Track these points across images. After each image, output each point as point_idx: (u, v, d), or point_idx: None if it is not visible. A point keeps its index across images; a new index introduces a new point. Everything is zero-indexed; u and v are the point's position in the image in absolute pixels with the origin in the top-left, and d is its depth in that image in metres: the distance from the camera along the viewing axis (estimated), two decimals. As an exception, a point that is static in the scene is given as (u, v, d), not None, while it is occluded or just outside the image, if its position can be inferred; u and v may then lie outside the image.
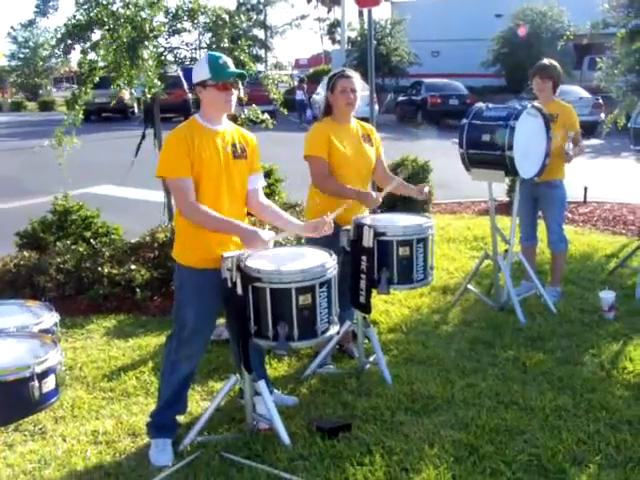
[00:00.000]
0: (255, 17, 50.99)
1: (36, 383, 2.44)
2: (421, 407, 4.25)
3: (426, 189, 4.77)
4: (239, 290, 3.48)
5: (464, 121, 5.74)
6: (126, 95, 8.19)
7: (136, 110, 30.41)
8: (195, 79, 3.69)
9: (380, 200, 4.58)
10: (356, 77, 4.67)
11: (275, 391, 4.33)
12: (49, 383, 2.51)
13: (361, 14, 42.75)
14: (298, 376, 4.75)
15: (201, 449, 3.82)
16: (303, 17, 58.20)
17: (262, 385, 3.84)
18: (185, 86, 28.85)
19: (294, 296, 3.44)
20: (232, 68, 3.67)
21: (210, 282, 3.62)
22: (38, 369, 2.45)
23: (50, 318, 2.88)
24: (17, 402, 2.45)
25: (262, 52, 53.24)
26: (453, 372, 4.73)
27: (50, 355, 2.53)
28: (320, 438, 3.85)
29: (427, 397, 4.36)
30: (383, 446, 3.79)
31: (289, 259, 3.68)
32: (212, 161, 3.63)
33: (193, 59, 7.98)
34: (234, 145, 3.75)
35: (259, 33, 53.22)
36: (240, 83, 3.76)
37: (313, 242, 4.11)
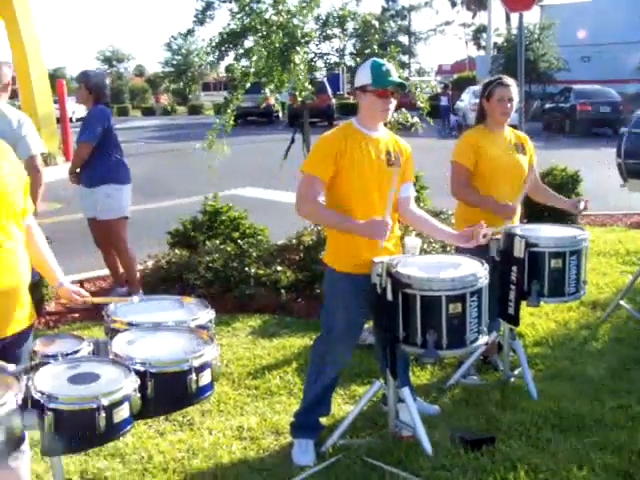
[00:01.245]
0: (399, 23, 51.00)
1: (193, 376, 2.52)
2: (569, 425, 4.08)
3: (582, 205, 4.60)
4: (389, 296, 3.48)
5: (623, 130, 5.50)
6: (272, 100, 8.37)
7: (280, 114, 31.16)
8: (356, 83, 3.72)
9: (518, 209, 4.48)
10: (514, 85, 4.57)
11: (417, 399, 4.29)
12: (205, 377, 2.59)
13: (508, 19, 41.86)
14: (441, 385, 4.69)
15: (343, 452, 3.83)
16: (448, 23, 57.62)
17: (406, 392, 3.82)
18: (329, 91, 29.33)
19: (444, 304, 3.40)
20: (394, 77, 3.65)
21: (359, 287, 3.62)
22: (196, 363, 2.53)
23: (206, 314, 2.97)
24: (175, 394, 2.55)
25: (406, 58, 53.19)
26: (603, 391, 4.52)
27: (206, 350, 2.61)
28: (463, 450, 3.79)
29: (575, 415, 4.19)
30: (528, 463, 3.66)
31: (440, 267, 3.63)
32: (365, 167, 3.64)
33: (339, 65, 8.08)
34: (388, 153, 3.74)
35: (403, 39, 53.20)
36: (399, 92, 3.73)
37: (462, 250, 4.05)
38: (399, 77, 3.76)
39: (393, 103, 3.68)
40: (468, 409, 4.34)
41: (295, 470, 3.72)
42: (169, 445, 4.04)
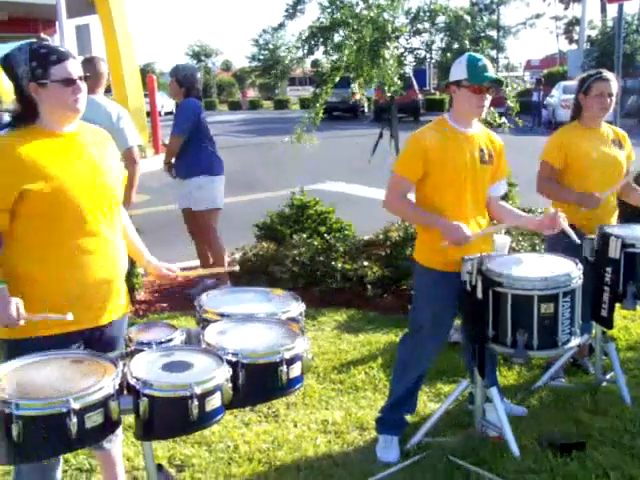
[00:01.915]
0: (488, 17, 50.04)
1: (284, 368, 2.53)
2: (666, 435, 3.93)
3: None
4: (479, 294, 3.42)
5: None
6: (357, 95, 8.38)
7: (366, 110, 31.02)
8: (451, 77, 3.66)
9: (602, 201, 4.33)
10: (613, 80, 4.42)
11: (504, 399, 4.22)
12: (295, 369, 2.60)
13: (604, 10, 40.45)
14: (528, 386, 4.60)
15: (428, 450, 3.81)
16: (538, 16, 56.05)
17: (494, 392, 3.76)
18: (415, 87, 29.01)
19: (536, 304, 3.33)
20: (490, 72, 3.59)
21: (449, 284, 3.58)
22: (287, 355, 2.54)
23: (297, 307, 2.98)
24: (266, 385, 2.57)
25: (494, 53, 52.12)
26: (703, 401, 4.34)
27: (297, 342, 2.62)
28: (551, 454, 3.69)
29: (674, 426, 4.03)
30: (622, 473, 3.54)
31: (533, 265, 3.56)
32: (457, 164, 3.59)
33: (427, 59, 7.99)
34: (482, 150, 3.68)
35: (492, 33, 52.09)
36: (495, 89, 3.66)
37: (553, 250, 3.96)
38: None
39: (488, 100, 3.61)
40: (556, 412, 4.24)
41: (379, 466, 3.72)
42: (254, 436, 4.09)
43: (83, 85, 2.76)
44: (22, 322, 2.60)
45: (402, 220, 6.81)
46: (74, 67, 2.73)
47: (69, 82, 2.70)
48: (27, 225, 2.71)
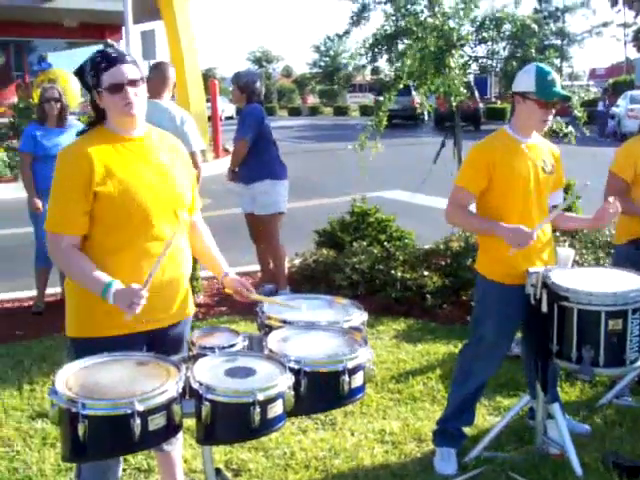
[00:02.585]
0: (553, 25, 49.26)
1: (346, 377, 2.52)
2: None
3: None
4: (544, 307, 3.36)
5: None
6: (417, 100, 8.34)
7: (426, 117, 30.94)
8: (517, 87, 3.60)
9: None
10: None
11: (567, 416, 4.12)
12: (358, 379, 2.58)
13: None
14: (591, 404, 4.48)
15: (486, 465, 3.74)
16: (605, 24, 54.84)
17: (557, 408, 3.68)
18: (477, 95, 28.79)
19: (603, 320, 3.25)
20: (558, 87, 3.52)
21: (513, 297, 3.53)
22: (350, 364, 2.53)
23: (359, 316, 2.96)
24: (328, 394, 2.55)
25: (558, 61, 51.23)
26: None
27: (360, 352, 2.60)
28: (617, 476, 3.58)
29: None
30: (693, 499, 3.44)
31: (600, 280, 3.48)
32: (523, 175, 3.54)
33: (491, 68, 7.89)
34: (544, 160, 3.63)
35: (556, 42, 51.21)
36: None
37: (621, 264, 3.88)
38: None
39: (552, 113, 3.56)
40: (621, 432, 4.12)
41: (437, 479, 3.67)
42: (311, 443, 4.08)
43: (138, 89, 2.72)
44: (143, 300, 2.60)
45: (463, 230, 6.73)
46: (126, 71, 2.69)
47: (116, 88, 2.68)
48: (96, 227, 2.75)
